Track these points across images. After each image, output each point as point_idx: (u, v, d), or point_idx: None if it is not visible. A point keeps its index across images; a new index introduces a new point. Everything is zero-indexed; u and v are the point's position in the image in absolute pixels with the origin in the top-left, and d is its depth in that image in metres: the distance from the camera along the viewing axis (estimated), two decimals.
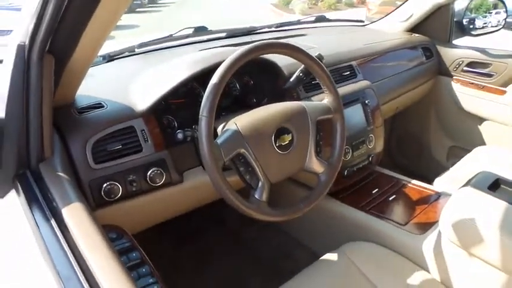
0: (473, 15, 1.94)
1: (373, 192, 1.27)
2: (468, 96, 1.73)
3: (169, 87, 0.92)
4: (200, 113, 0.75)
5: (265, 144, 0.83)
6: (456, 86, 1.75)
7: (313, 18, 1.83)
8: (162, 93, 0.92)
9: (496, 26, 1.87)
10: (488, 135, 1.71)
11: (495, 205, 0.89)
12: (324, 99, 0.95)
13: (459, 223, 0.89)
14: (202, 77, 0.93)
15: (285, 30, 1.73)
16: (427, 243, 1.01)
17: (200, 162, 0.97)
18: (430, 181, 1.36)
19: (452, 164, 1.85)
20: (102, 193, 0.84)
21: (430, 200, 1.21)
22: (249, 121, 0.83)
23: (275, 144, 0.83)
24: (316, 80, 1.16)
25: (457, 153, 1.84)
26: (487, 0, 2.09)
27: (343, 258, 1.01)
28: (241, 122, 0.82)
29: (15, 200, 0.70)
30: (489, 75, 1.69)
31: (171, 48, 1.37)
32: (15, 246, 0.67)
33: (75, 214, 0.62)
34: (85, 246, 0.55)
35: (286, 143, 0.85)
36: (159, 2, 15.19)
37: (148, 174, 0.89)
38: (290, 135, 0.86)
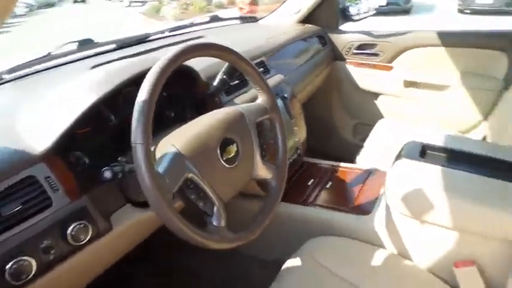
0: (347, 3, 2.09)
1: (309, 184, 1.26)
2: (362, 76, 1.87)
3: (74, 117, 0.73)
4: (133, 141, 0.61)
5: (212, 161, 0.72)
6: (351, 68, 1.88)
7: (207, 19, 1.75)
8: (66, 126, 0.72)
9: (367, 12, 2.03)
10: (385, 108, 1.88)
11: (432, 170, 0.94)
12: (258, 99, 0.88)
13: (405, 194, 0.92)
14: (109, 98, 0.77)
15: (180, 34, 1.61)
16: (378, 221, 1.03)
17: (127, 199, 0.81)
18: (344, 160, 1.41)
19: (360, 140, 1.99)
20: (7, 277, 0.61)
21: (362, 178, 1.25)
22: (188, 139, 0.71)
23: (222, 158, 0.73)
24: (235, 82, 1.09)
25: (361, 129, 1.98)
26: None
27: (305, 259, 0.96)
28: (178, 141, 0.69)
29: None
30: (376, 55, 1.84)
31: (54, 68, 1.14)
32: None
33: None
34: None
35: (232, 155, 0.76)
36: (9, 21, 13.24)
37: (68, 232, 0.69)
38: (235, 145, 0.76)
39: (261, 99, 0.88)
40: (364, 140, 1.95)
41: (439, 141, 1.09)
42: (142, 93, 0.63)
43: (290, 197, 1.18)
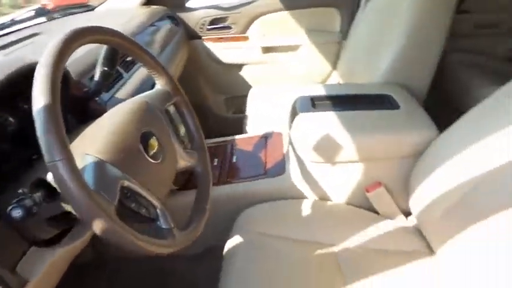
0: None
1: (215, 164, 1.23)
2: (222, 50, 1.88)
3: None
4: (48, 159, 0.46)
5: (139, 161, 0.61)
6: (209, 45, 1.86)
7: (32, 13, 1.45)
8: None
9: None
10: (252, 77, 1.95)
11: (327, 116, 1.03)
12: (157, 85, 0.79)
13: (312, 143, 0.99)
14: None
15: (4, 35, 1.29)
16: (294, 176, 1.08)
17: (29, 241, 0.63)
18: (227, 135, 1.40)
19: (234, 113, 2.03)
20: None
21: (262, 144, 1.28)
22: (103, 142, 0.58)
23: (148, 155, 0.63)
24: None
25: (233, 102, 2.02)
26: None
27: (244, 235, 0.94)
28: (92, 149, 0.56)
29: None
30: (229, 27, 1.87)
31: None
32: None
33: None
34: None
35: (156, 149, 0.66)
36: None
37: None
38: (155, 138, 0.67)
39: (161, 84, 0.78)
40: (238, 112, 2.00)
41: (320, 91, 1.19)
42: (41, 95, 0.47)
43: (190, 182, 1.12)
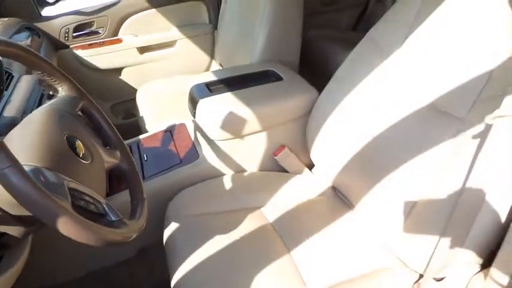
0: None
1: None
2: (96, 56, 1.79)
3: None
4: None
5: (74, 163, 0.62)
6: (80, 53, 1.75)
7: None
8: None
9: None
10: (134, 80, 1.91)
11: (224, 97, 1.13)
12: (60, 92, 0.76)
13: (219, 124, 1.07)
14: None
15: None
16: (209, 157, 1.15)
17: None
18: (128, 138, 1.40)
19: (123, 118, 1.97)
20: None
21: (168, 138, 1.29)
22: (34, 150, 0.57)
23: (79, 157, 0.63)
24: None
25: (119, 108, 1.95)
26: None
27: (179, 221, 0.98)
28: (27, 158, 0.54)
29: None
30: (97, 32, 1.79)
31: None
32: None
33: None
34: None
35: (84, 150, 0.66)
36: None
37: None
38: (79, 140, 0.66)
39: (64, 90, 0.76)
40: (127, 117, 1.95)
41: (210, 78, 1.28)
42: None
43: (120, 186, 1.10)
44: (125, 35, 1.84)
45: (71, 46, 1.75)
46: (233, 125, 1.08)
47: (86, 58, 1.77)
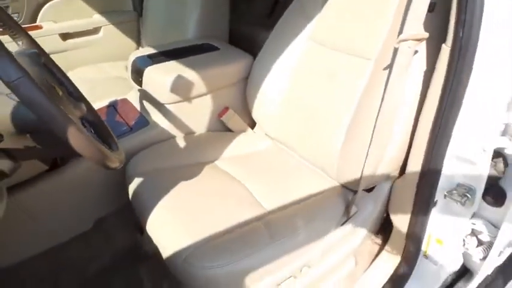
0: None
1: None
2: (13, 43, 1.68)
3: None
4: (9, 79, 0.48)
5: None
6: None
7: None
8: None
9: None
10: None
11: (167, 65, 1.20)
12: (21, 46, 0.78)
13: (170, 87, 1.15)
14: None
15: None
16: (159, 122, 1.21)
17: None
18: None
19: None
20: None
21: (113, 110, 1.30)
22: None
23: None
24: None
25: None
26: None
27: (143, 177, 1.03)
28: None
29: None
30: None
31: None
32: None
33: None
34: None
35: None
36: None
37: None
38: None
39: (24, 44, 0.79)
40: None
41: (151, 51, 1.34)
42: None
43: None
44: (44, 22, 1.77)
45: None
46: (180, 88, 1.17)
47: None
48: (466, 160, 0.79)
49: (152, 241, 0.89)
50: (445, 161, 0.81)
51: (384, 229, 1.10)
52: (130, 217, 1.06)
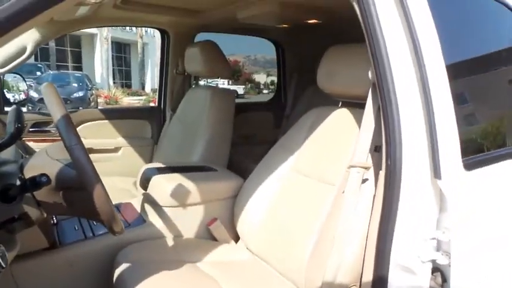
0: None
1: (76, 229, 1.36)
2: None
3: None
4: (68, 144, 0.72)
5: None
6: (31, 144, 1.96)
7: None
8: None
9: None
10: None
11: (174, 176, 1.46)
12: None
13: (170, 192, 1.37)
14: None
15: None
16: (154, 222, 1.39)
17: None
18: None
19: None
20: None
21: (117, 208, 1.50)
22: None
23: None
24: None
25: None
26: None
27: (132, 265, 1.15)
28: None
29: None
30: (50, 131, 2.06)
31: None
32: None
33: None
34: None
35: None
36: None
37: None
38: None
39: None
40: None
41: (160, 165, 1.61)
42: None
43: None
44: None
45: (23, 138, 1.95)
46: (178, 194, 1.38)
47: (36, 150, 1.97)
48: (408, 270, 0.95)
49: None
50: (391, 271, 0.96)
51: None
52: None
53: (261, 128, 2.70)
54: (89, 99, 10.95)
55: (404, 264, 0.94)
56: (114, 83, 18.44)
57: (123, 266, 1.14)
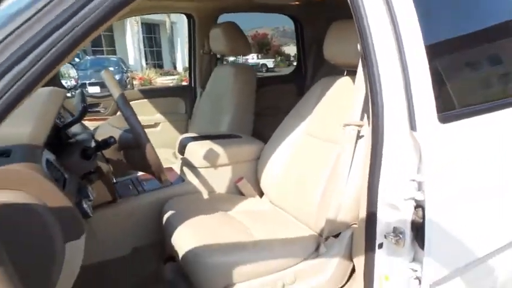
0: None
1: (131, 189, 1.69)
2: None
3: None
4: (126, 115, 1.00)
5: None
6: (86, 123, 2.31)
7: None
8: None
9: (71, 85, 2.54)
10: None
11: (205, 141, 1.74)
12: None
13: (203, 155, 1.65)
14: None
15: None
16: (192, 181, 1.68)
17: None
18: None
19: None
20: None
21: None
22: None
23: None
24: None
25: None
26: None
27: (177, 213, 1.46)
28: None
29: None
30: (99, 111, 2.40)
31: None
32: None
33: None
34: None
35: None
36: None
37: None
38: None
39: None
40: None
41: (194, 135, 1.89)
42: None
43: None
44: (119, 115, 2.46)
45: None
46: (210, 157, 1.67)
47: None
48: (394, 207, 1.17)
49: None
50: (380, 207, 1.18)
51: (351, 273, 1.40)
52: (158, 251, 1.44)
53: (284, 99, 2.91)
54: (125, 81, 11.48)
55: (390, 202, 1.16)
56: (146, 64, 19.01)
57: (169, 213, 1.45)
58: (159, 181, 1.14)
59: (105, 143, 1.06)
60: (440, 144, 1.16)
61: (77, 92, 1.35)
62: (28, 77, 0.55)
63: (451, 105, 1.19)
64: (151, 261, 1.57)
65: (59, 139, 1.16)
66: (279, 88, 2.96)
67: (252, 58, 19.61)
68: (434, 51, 1.15)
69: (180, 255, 1.22)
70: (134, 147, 1.06)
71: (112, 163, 1.15)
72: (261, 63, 18.63)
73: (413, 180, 1.14)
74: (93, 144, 1.09)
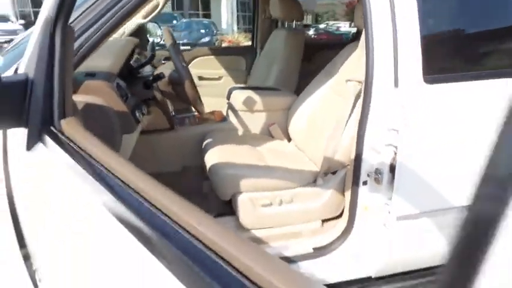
0: None
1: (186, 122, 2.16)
2: None
3: None
4: (174, 59, 1.42)
5: None
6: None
7: None
8: None
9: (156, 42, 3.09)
10: None
11: (251, 91, 2.11)
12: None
13: (243, 100, 2.03)
14: None
15: None
16: (233, 121, 2.09)
17: None
18: None
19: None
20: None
21: (212, 112, 2.26)
22: None
23: None
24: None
25: None
26: None
27: (218, 144, 1.89)
28: None
29: (43, 151, 0.82)
30: None
31: None
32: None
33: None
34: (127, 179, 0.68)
35: None
36: None
37: None
38: None
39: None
40: None
41: (241, 86, 2.28)
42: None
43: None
44: (190, 67, 2.94)
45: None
46: (248, 103, 2.04)
47: None
48: (377, 151, 1.41)
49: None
50: (365, 151, 1.43)
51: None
52: (201, 171, 1.89)
53: None
54: (214, 43, 12.29)
55: (373, 147, 1.41)
56: (238, 28, 19.68)
57: (208, 141, 1.88)
58: (197, 111, 1.56)
59: (158, 77, 1.50)
60: (423, 102, 1.32)
61: (149, 43, 1.81)
62: (104, 29, 0.99)
63: (440, 69, 1.34)
64: (197, 178, 2.04)
65: (132, 74, 1.64)
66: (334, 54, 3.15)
67: (344, 26, 18.96)
68: (428, 16, 1.32)
69: (207, 169, 1.64)
70: (179, 83, 1.48)
71: (165, 94, 1.60)
72: (352, 32, 17.91)
73: (393, 130, 1.36)
74: (151, 78, 1.54)
